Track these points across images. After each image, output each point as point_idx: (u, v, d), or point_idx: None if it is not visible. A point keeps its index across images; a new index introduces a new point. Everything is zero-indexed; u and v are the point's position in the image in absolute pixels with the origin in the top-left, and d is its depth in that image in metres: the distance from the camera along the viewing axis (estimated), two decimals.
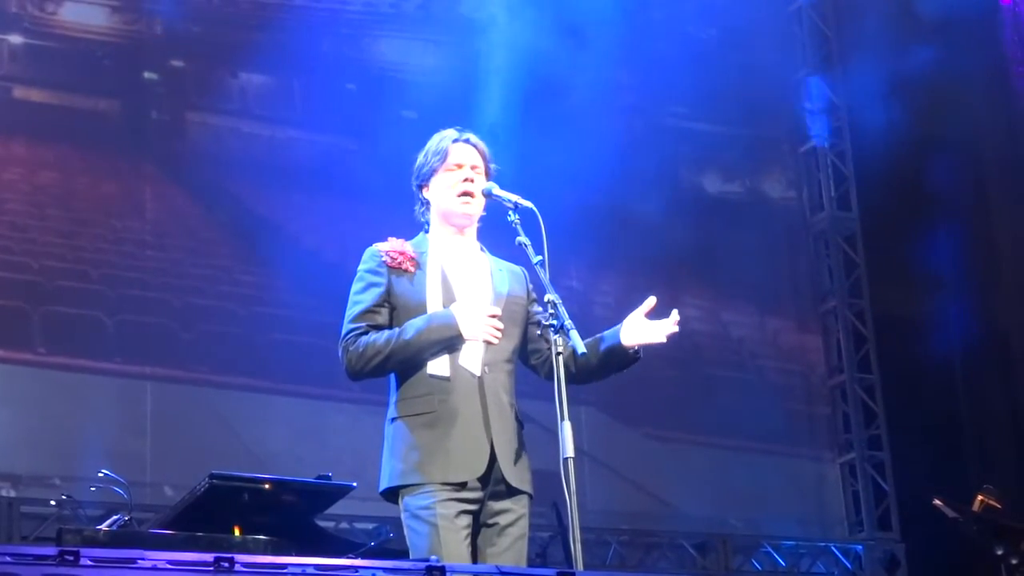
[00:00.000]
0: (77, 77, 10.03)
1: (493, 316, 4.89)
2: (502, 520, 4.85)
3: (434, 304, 4.93)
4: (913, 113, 11.84)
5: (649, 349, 5.11)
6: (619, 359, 5.07)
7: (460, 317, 4.85)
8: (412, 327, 4.84)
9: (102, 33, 10.23)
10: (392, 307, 4.96)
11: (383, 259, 5.00)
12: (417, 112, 10.65)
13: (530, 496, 4.92)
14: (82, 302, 9.60)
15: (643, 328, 5.04)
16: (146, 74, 10.29)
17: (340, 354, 4.93)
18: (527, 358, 5.15)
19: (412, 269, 4.98)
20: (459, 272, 5.03)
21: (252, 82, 10.68)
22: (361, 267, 5.05)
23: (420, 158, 5.18)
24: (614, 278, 11.54)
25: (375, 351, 4.84)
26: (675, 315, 5.07)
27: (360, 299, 4.97)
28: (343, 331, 4.94)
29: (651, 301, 5.05)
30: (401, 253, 5.01)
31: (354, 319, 4.94)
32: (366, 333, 4.89)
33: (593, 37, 11.27)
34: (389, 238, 5.09)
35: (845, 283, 12.25)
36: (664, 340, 5.04)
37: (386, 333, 4.87)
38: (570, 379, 4.87)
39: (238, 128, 10.58)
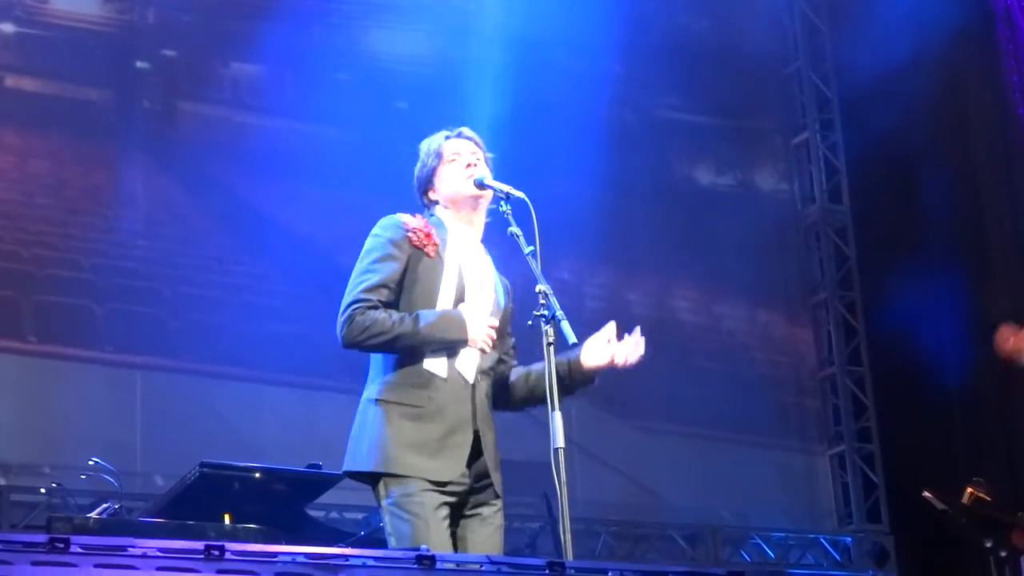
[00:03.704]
0: (69, 66, 10.02)
1: (492, 327, 4.89)
2: (484, 511, 4.85)
3: (446, 296, 4.89)
4: (905, 106, 11.85)
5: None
6: (577, 377, 4.96)
7: (470, 322, 4.84)
8: (423, 318, 4.79)
9: (94, 22, 10.22)
10: (401, 286, 4.89)
11: (408, 235, 4.92)
12: (408, 102, 10.66)
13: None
14: (73, 291, 9.59)
15: (605, 350, 4.94)
16: (138, 63, 10.29)
17: (343, 319, 4.80)
18: None
19: (433, 254, 4.92)
20: (473, 273, 4.98)
21: (244, 72, 10.67)
22: (384, 234, 4.93)
23: (417, 168, 5.13)
24: (605, 270, 11.55)
25: (382, 329, 4.76)
26: (637, 334, 4.96)
27: (377, 268, 4.87)
28: (352, 297, 4.83)
29: (611, 327, 4.97)
30: (427, 235, 4.93)
31: (367, 289, 4.83)
32: (376, 308, 4.81)
33: (585, 28, 11.27)
34: (416, 214, 5.02)
35: (836, 275, 12.27)
36: (633, 361, 4.94)
37: (396, 315, 4.80)
38: (497, 403, 4.91)
39: (230, 118, 10.57)
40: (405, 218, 4.98)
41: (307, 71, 10.58)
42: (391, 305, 4.87)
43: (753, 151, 12.71)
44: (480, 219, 5.09)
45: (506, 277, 5.17)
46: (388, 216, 5.00)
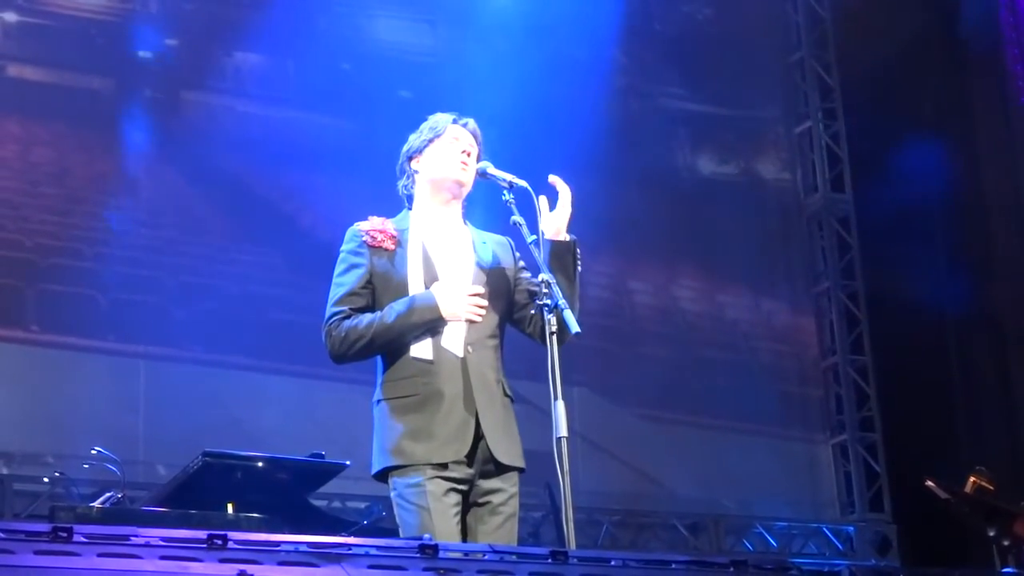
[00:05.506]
0: (71, 55, 10.02)
1: (475, 294, 4.88)
2: (494, 499, 4.83)
3: (415, 281, 4.92)
4: (908, 94, 11.84)
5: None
6: (560, 255, 5.01)
7: (441, 299, 4.84)
8: (393, 311, 4.84)
9: (96, 11, 10.22)
10: (374, 287, 4.95)
11: (364, 239, 4.98)
12: (412, 92, 10.65)
13: (521, 471, 4.90)
14: (76, 280, 9.60)
15: (546, 210, 5.01)
16: (140, 52, 10.28)
17: (323, 338, 4.92)
18: (519, 325, 5.10)
19: (392, 247, 4.96)
20: (440, 247, 5.01)
21: (247, 61, 10.67)
22: (343, 248, 5.03)
23: (413, 135, 5.18)
24: (608, 259, 11.54)
25: (357, 335, 4.84)
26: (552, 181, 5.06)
27: (342, 281, 4.96)
28: (326, 314, 4.93)
29: (552, 179, 5.06)
30: (381, 231, 4.99)
31: (337, 302, 4.93)
32: (349, 317, 4.88)
33: (588, 17, 11.27)
34: (370, 217, 5.08)
35: (838, 265, 12.26)
36: (569, 208, 5.04)
37: (368, 317, 4.87)
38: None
39: (233, 107, 10.57)
40: (360, 225, 5.05)
41: (310, 60, 10.57)
42: (368, 309, 4.93)
43: (756, 140, 12.70)
44: (460, 199, 5.13)
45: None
46: (348, 229, 5.06)
